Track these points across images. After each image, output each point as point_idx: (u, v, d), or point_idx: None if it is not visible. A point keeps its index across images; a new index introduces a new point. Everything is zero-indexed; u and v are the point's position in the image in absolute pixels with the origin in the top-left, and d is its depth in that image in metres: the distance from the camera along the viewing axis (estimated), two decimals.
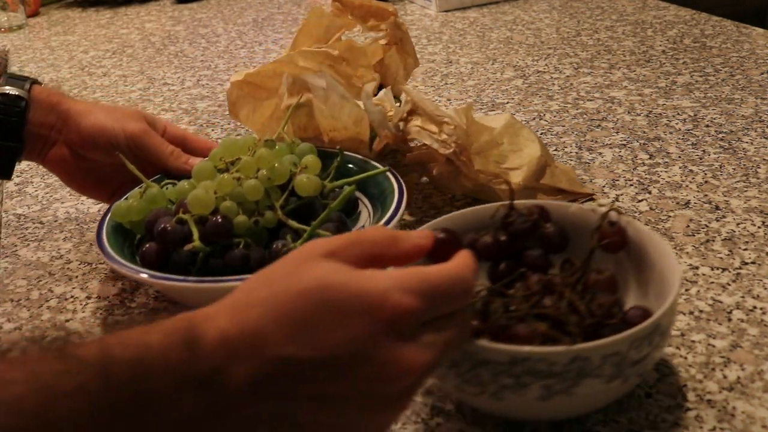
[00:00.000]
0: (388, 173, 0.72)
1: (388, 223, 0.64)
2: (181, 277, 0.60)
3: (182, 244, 0.62)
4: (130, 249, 0.67)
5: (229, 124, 1.05)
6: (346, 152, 0.75)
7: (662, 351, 0.50)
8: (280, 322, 0.39)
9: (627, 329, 0.46)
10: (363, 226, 0.70)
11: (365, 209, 0.73)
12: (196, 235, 0.61)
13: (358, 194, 0.73)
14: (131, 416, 0.35)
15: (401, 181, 0.71)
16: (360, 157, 0.76)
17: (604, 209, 0.55)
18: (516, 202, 0.56)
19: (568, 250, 0.55)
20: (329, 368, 0.39)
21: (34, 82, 0.72)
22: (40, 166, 0.76)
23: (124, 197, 0.70)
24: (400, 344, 0.40)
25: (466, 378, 0.47)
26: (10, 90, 0.70)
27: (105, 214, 0.69)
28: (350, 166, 0.75)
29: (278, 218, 0.65)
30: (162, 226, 0.63)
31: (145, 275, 0.60)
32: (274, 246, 0.63)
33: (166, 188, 0.70)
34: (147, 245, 0.64)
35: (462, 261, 0.44)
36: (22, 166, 0.95)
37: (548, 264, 0.55)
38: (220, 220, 0.63)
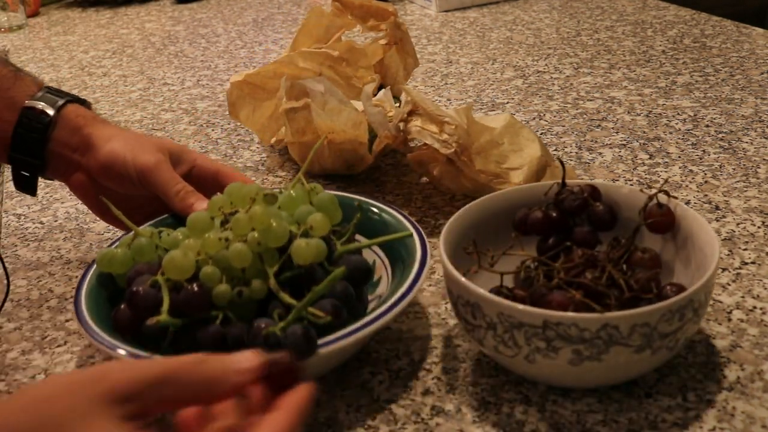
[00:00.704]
0: (415, 236, 0.61)
1: (397, 304, 0.54)
2: (147, 354, 0.51)
3: (153, 312, 0.53)
4: (114, 305, 0.58)
5: (229, 124, 1.05)
6: (371, 204, 0.65)
7: (695, 327, 0.51)
8: None
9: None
10: (380, 297, 0.59)
11: (385, 274, 0.62)
12: (165, 305, 0.52)
13: (378, 253, 0.63)
14: None
15: (426, 245, 0.59)
16: (388, 209, 0.65)
17: (654, 191, 0.58)
18: (569, 180, 0.60)
19: (618, 230, 0.58)
20: None
21: (73, 100, 0.69)
22: None
23: (115, 245, 0.62)
24: None
25: (502, 339, 0.50)
26: (38, 104, 0.67)
27: (90, 265, 0.61)
28: (375, 216, 0.65)
29: (269, 288, 0.54)
30: (134, 288, 0.55)
31: (122, 351, 0.52)
32: (255, 324, 0.52)
33: (161, 236, 0.61)
34: (121, 306, 0.56)
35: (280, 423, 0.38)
36: None
37: (597, 241, 0.58)
38: (196, 289, 0.53)
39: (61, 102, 0.68)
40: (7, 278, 0.69)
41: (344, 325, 0.52)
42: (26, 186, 0.71)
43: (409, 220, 0.63)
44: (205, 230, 0.58)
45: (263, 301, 0.54)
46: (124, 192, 0.68)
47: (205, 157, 0.71)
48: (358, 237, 0.63)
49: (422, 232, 0.61)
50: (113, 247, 0.61)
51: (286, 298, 0.52)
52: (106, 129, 0.68)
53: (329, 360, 0.54)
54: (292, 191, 0.60)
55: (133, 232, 0.61)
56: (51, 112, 0.67)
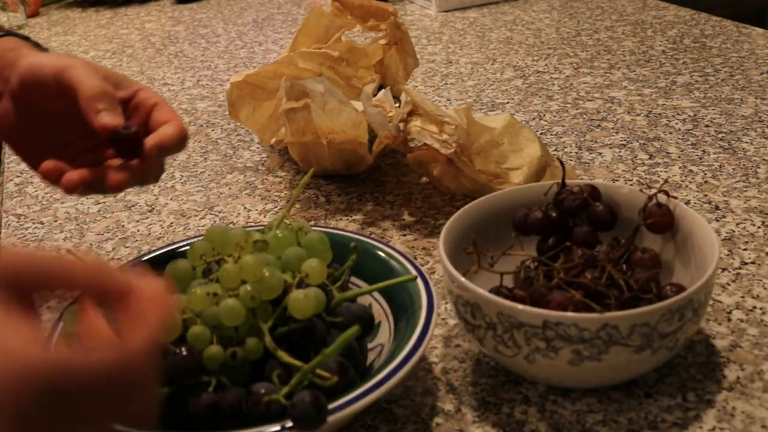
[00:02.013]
0: (418, 280, 0.55)
1: (408, 358, 0.48)
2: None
3: None
4: None
5: (229, 124, 1.05)
6: (366, 241, 0.60)
7: (695, 327, 0.51)
8: None
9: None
10: (381, 347, 0.54)
11: (385, 320, 0.56)
12: None
13: (377, 299, 0.58)
14: None
15: (431, 290, 0.54)
16: (385, 248, 0.59)
17: (654, 191, 0.58)
18: (569, 180, 0.60)
19: (618, 230, 0.58)
20: None
21: (7, 34, 0.63)
22: None
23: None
24: None
25: (502, 339, 0.50)
26: None
27: (57, 319, 0.55)
28: (371, 254, 0.59)
29: (264, 346, 0.49)
30: None
31: None
32: (254, 390, 0.47)
33: None
34: None
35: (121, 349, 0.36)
36: (22, 166, 0.95)
37: (596, 241, 0.59)
38: (184, 353, 0.48)
39: None
40: None
41: (351, 384, 0.47)
42: None
43: (407, 258, 0.58)
44: (185, 281, 0.53)
45: (258, 360, 0.50)
46: (45, 109, 0.60)
47: (150, 90, 0.63)
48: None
49: (428, 281, 0.55)
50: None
51: (286, 357, 0.48)
52: (39, 53, 0.62)
53: (336, 426, 0.48)
54: (278, 232, 0.55)
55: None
56: None
